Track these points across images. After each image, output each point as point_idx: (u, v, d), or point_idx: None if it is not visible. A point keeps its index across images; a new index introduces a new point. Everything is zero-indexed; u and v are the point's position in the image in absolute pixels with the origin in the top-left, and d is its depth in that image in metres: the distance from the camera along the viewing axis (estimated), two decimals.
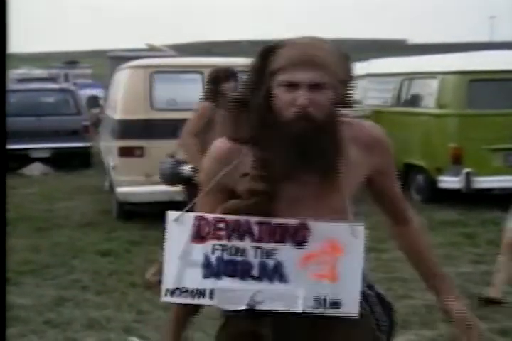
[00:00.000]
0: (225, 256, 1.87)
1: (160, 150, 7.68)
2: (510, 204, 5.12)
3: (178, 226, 1.89)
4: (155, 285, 4.54)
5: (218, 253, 1.87)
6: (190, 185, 5.23)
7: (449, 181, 8.56)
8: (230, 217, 1.87)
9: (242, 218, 1.86)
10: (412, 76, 9.62)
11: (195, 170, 5.25)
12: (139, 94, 7.76)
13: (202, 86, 7.82)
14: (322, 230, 1.86)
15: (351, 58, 1.91)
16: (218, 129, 4.63)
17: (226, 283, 1.86)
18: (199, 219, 1.89)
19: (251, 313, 1.85)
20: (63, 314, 4.95)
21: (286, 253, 1.86)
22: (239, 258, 1.86)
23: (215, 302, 1.86)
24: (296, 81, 1.78)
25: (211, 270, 1.87)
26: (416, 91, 9.57)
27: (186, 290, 1.87)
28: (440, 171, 8.69)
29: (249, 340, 1.88)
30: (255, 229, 1.86)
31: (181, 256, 1.88)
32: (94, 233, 7.56)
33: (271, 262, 1.86)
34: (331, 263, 1.86)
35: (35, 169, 12.55)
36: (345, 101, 1.89)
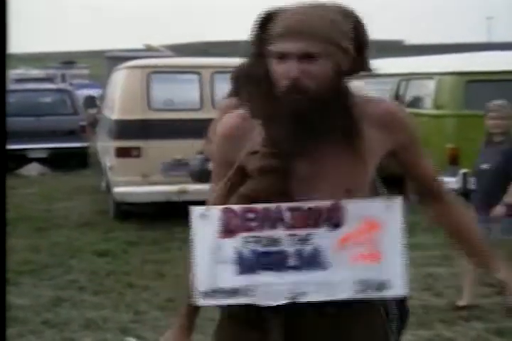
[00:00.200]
0: (259, 248, 1.74)
1: (157, 150, 7.71)
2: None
3: (204, 221, 1.76)
4: None
5: (251, 246, 1.74)
6: None
7: (446, 182, 8.56)
8: (259, 206, 1.74)
9: (272, 205, 1.74)
10: (409, 77, 9.62)
11: None
12: (136, 95, 7.76)
13: (199, 86, 7.84)
14: (356, 209, 1.75)
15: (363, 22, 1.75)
16: None
17: (263, 277, 1.73)
18: (226, 211, 1.75)
19: (256, 313, 1.77)
20: (61, 314, 4.95)
21: (322, 238, 1.74)
22: (273, 248, 1.74)
23: (254, 299, 1.74)
24: (285, 52, 1.69)
25: (245, 265, 1.74)
26: (413, 92, 9.58)
27: (222, 291, 1.74)
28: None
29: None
30: (287, 215, 1.74)
31: (211, 253, 1.75)
32: (92, 233, 7.57)
33: (307, 249, 1.73)
34: (370, 242, 1.75)
35: (32, 169, 12.54)
36: (357, 69, 1.77)
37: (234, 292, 1.74)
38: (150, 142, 7.67)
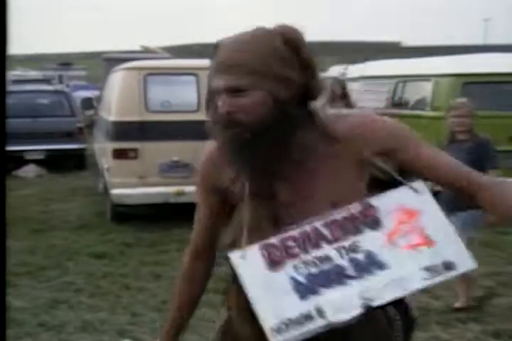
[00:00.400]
0: (312, 270, 1.71)
1: (154, 152, 7.71)
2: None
3: (248, 263, 1.73)
4: None
5: (303, 270, 1.71)
6: None
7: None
8: (295, 231, 1.73)
9: (306, 227, 1.73)
10: (406, 78, 9.64)
11: None
12: (133, 96, 7.75)
13: (196, 88, 7.84)
14: (386, 202, 1.76)
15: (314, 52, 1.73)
16: None
17: (328, 294, 1.69)
18: (265, 247, 1.73)
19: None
20: (57, 316, 4.95)
21: (369, 241, 1.72)
22: (326, 266, 1.71)
23: (328, 318, 1.67)
24: (216, 88, 1.71)
25: (305, 289, 1.70)
26: (410, 94, 9.59)
27: (293, 321, 1.68)
28: None
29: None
30: (325, 231, 1.73)
31: (266, 289, 1.70)
32: (89, 235, 7.56)
33: (360, 256, 1.71)
34: (416, 229, 1.73)
35: (29, 171, 12.54)
36: (312, 91, 1.74)
37: (305, 318, 1.68)
38: (147, 144, 7.67)
